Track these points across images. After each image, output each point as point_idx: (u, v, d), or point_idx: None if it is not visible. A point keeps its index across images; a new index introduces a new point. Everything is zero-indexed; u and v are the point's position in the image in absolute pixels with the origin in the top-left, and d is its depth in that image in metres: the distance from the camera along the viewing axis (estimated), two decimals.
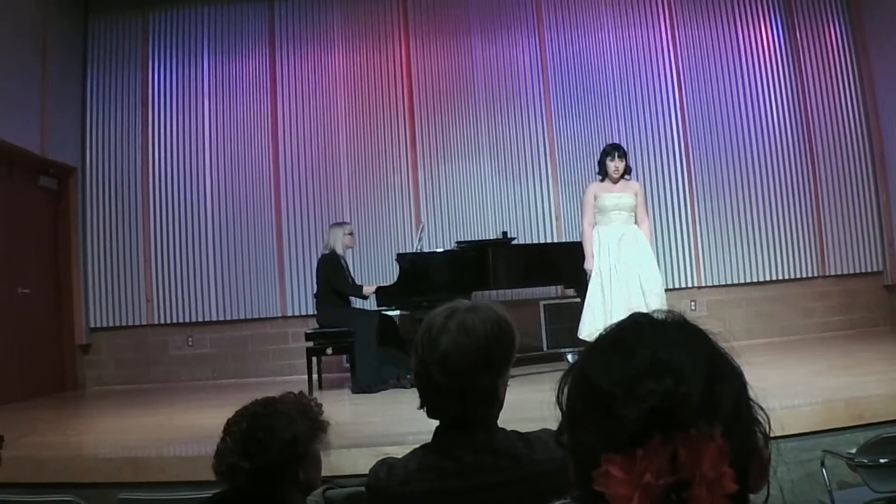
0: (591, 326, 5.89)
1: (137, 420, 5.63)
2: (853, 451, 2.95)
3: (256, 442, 1.84)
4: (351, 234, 6.95)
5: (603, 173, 6.24)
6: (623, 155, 6.23)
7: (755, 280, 8.19)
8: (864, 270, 8.31)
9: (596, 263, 6.07)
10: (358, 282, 7.03)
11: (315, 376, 6.61)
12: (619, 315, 0.90)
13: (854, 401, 4.03)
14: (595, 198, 6.17)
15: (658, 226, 7.98)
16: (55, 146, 7.68)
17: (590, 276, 6.11)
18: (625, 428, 0.74)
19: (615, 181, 6.18)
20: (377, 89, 8.43)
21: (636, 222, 6.19)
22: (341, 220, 7.37)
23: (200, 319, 8.15)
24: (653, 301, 5.85)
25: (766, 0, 8.54)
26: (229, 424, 1.89)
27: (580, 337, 5.95)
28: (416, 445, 1.72)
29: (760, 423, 0.83)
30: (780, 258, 8.22)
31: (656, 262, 6.25)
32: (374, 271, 8.04)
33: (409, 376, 5.83)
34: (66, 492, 3.36)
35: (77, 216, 8.14)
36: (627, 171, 6.30)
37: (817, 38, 8.52)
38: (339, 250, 6.78)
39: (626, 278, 5.95)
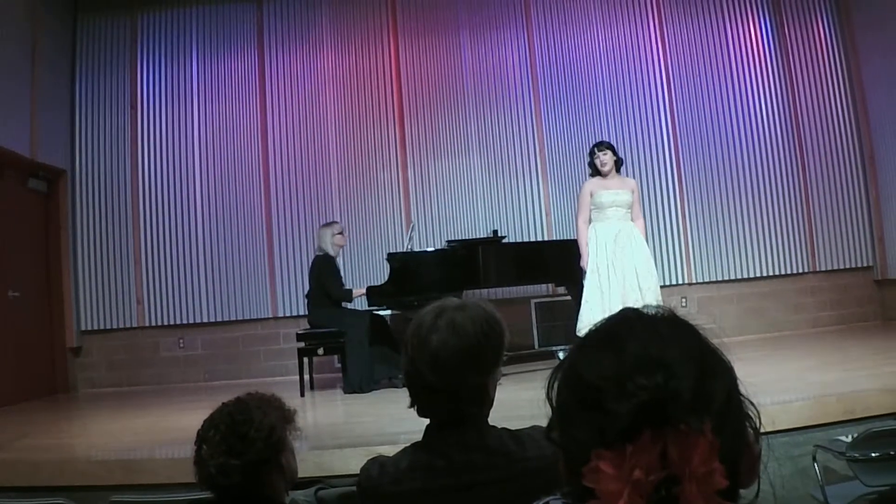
0: (589, 323, 5.82)
1: (129, 422, 5.61)
2: (845, 445, 2.96)
3: (241, 438, 1.86)
4: (341, 233, 6.88)
5: (595, 172, 6.26)
6: (608, 147, 6.25)
7: (746, 276, 8.21)
8: (854, 265, 8.34)
9: (593, 260, 6.07)
10: (348, 282, 7.00)
11: (307, 377, 6.59)
12: None
13: (846, 395, 4.04)
14: (591, 195, 6.17)
15: (648, 222, 7.96)
16: (45, 149, 7.63)
17: (584, 273, 6.12)
18: (615, 423, 0.74)
19: (607, 174, 6.19)
20: (366, 89, 8.41)
21: (632, 219, 6.21)
22: (330, 221, 7.28)
23: (191, 321, 8.12)
24: (649, 297, 5.86)
25: None
26: (203, 433, 1.91)
27: (579, 335, 5.92)
28: (408, 444, 1.72)
29: (751, 418, 0.83)
30: (771, 254, 8.24)
31: (652, 259, 6.27)
32: (364, 271, 8.02)
33: (400, 376, 5.82)
34: (59, 495, 3.35)
35: (67, 219, 8.09)
36: (620, 163, 6.32)
37: (806, 35, 8.55)
38: (331, 251, 6.73)
39: (622, 274, 5.96)
